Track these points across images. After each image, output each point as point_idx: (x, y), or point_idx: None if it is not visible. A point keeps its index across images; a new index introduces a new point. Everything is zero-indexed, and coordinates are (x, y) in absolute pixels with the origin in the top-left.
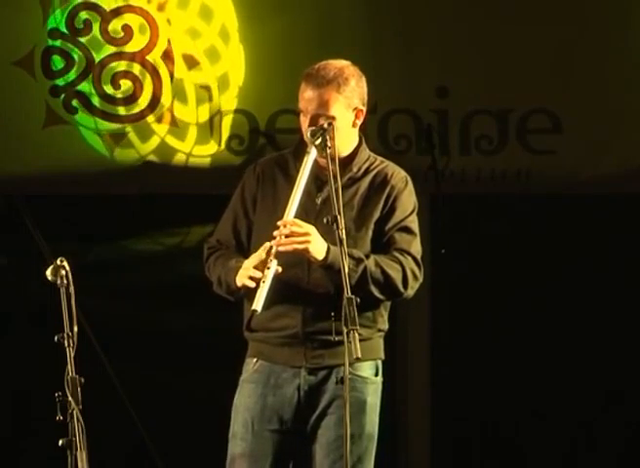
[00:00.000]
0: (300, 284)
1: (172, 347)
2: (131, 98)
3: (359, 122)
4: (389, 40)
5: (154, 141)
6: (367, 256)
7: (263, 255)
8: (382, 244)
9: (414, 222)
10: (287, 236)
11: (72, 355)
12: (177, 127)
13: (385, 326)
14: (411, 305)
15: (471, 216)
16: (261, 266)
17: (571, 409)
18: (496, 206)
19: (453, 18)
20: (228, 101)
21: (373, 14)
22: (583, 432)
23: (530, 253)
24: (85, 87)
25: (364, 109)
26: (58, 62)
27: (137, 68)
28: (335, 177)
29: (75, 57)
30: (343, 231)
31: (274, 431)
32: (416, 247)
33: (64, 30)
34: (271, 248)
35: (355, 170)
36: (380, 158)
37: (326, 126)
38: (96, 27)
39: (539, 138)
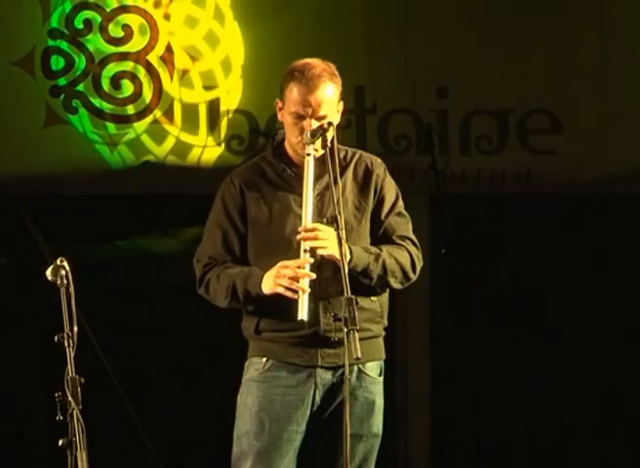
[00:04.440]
0: (311, 284)
1: (172, 347)
2: (128, 100)
3: (339, 117)
4: (389, 40)
5: (170, 142)
6: (380, 249)
7: (294, 264)
8: (381, 233)
9: (402, 206)
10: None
11: (72, 355)
12: (187, 120)
13: (387, 322)
14: (411, 305)
15: (471, 216)
16: (296, 275)
17: (571, 408)
18: (495, 206)
19: (453, 18)
20: (234, 82)
21: (372, 14)
22: (583, 433)
23: (530, 253)
24: (85, 87)
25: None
26: (58, 62)
27: (137, 68)
28: (335, 179)
29: (75, 57)
30: (344, 231)
31: (290, 430)
32: (411, 229)
33: (64, 30)
34: (303, 253)
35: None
36: (344, 147)
37: (326, 125)
38: (96, 27)
39: (539, 138)
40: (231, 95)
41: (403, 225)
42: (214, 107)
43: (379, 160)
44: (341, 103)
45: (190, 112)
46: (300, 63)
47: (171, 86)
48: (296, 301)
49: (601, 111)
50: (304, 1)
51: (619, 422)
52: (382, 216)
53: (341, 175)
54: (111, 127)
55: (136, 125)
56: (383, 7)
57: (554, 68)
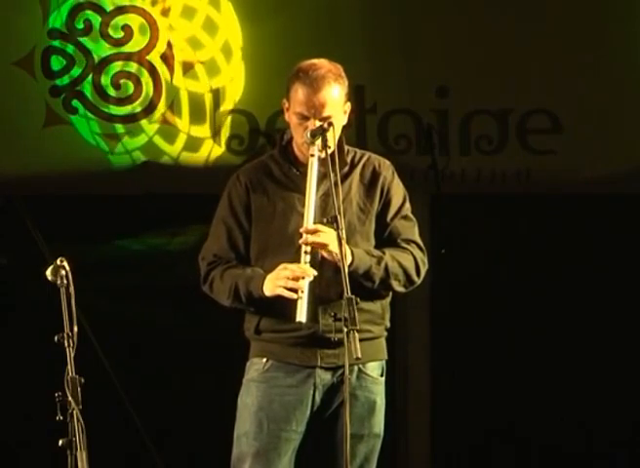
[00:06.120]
0: (311, 284)
1: (172, 347)
2: (129, 100)
3: (346, 118)
4: (389, 40)
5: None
6: (382, 252)
7: (294, 267)
8: (386, 235)
9: (409, 209)
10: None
11: (72, 355)
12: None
13: (389, 323)
14: (411, 305)
15: (471, 216)
16: (296, 276)
17: (572, 408)
18: (496, 206)
19: (453, 17)
20: (236, 66)
21: (372, 14)
22: (584, 430)
23: (530, 253)
24: (85, 87)
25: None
26: (58, 62)
27: (136, 68)
28: (335, 182)
29: (75, 57)
30: (344, 231)
31: (289, 431)
32: (417, 233)
33: (64, 30)
34: (304, 255)
35: (343, 164)
36: (353, 148)
37: (326, 126)
38: (96, 27)
39: (539, 138)
40: (235, 82)
41: (409, 229)
42: (220, 97)
43: (387, 162)
44: (349, 104)
45: (196, 104)
46: (305, 64)
47: (175, 80)
48: (295, 302)
49: (601, 111)
50: (304, 1)
51: (620, 422)
52: (388, 219)
53: (348, 176)
54: (111, 126)
55: (145, 127)
56: (383, 7)
57: (554, 68)
